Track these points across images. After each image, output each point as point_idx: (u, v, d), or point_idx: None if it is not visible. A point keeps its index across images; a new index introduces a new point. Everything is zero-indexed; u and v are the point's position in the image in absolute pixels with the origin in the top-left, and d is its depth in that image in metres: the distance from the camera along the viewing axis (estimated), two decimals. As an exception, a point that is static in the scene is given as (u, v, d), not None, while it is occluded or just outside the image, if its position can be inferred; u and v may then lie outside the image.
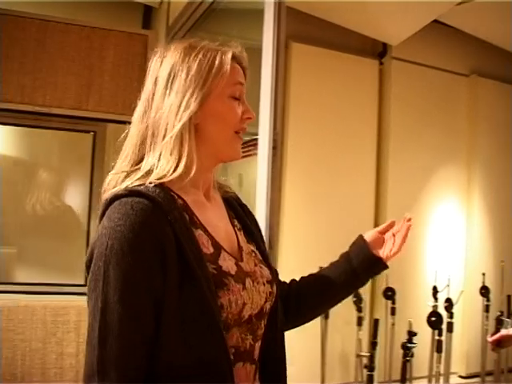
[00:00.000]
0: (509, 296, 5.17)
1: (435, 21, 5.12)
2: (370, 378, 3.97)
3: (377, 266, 1.60)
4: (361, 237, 1.62)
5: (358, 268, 1.57)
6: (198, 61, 1.31)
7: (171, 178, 1.26)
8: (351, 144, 5.19)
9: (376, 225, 5.38)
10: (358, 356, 4.22)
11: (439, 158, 5.73)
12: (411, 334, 3.92)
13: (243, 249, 1.40)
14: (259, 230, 1.53)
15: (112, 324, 1.14)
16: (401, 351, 3.92)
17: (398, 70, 5.47)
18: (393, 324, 4.84)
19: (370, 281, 5.30)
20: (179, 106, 1.28)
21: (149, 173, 1.28)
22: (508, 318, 4.79)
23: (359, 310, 4.70)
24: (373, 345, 4.20)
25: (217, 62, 1.32)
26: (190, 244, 1.21)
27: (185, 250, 1.19)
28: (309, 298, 1.59)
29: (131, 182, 1.26)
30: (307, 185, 4.97)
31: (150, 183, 1.24)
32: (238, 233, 1.44)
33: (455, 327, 4.91)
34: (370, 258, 1.58)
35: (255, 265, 1.39)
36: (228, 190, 1.52)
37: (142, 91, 1.37)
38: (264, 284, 1.37)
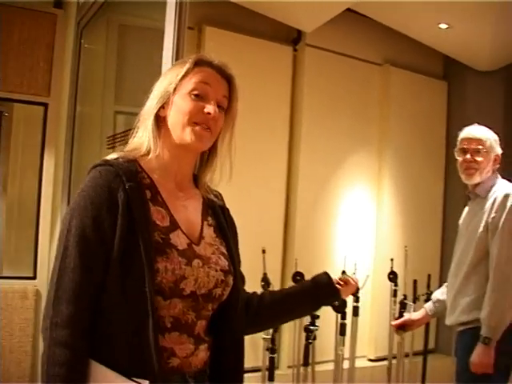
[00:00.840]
0: (415, 281, 5.32)
1: (350, 10, 5.20)
2: (272, 361, 4.03)
3: (335, 295, 1.77)
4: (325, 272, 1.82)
5: (320, 291, 1.75)
6: (171, 70, 1.63)
7: (135, 154, 1.54)
8: (263, 129, 5.21)
9: (286, 210, 5.43)
10: (264, 339, 4.26)
11: (351, 144, 5.82)
12: (314, 316, 4.00)
13: (204, 238, 1.59)
14: (235, 233, 1.73)
15: (68, 265, 1.40)
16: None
17: (311, 57, 5.52)
18: (301, 308, 4.89)
19: (280, 264, 5.30)
20: (148, 104, 1.59)
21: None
22: (414, 302, 4.92)
23: (267, 294, 4.72)
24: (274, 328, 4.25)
25: (182, 68, 1.57)
26: (140, 210, 1.44)
27: (133, 214, 1.42)
28: (266, 310, 1.75)
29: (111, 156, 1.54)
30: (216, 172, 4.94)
31: (123, 158, 1.51)
32: (205, 226, 1.62)
33: (365, 312, 5.01)
34: (331, 286, 1.76)
35: (213, 253, 1.58)
36: (215, 193, 1.72)
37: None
38: (216, 270, 1.55)
